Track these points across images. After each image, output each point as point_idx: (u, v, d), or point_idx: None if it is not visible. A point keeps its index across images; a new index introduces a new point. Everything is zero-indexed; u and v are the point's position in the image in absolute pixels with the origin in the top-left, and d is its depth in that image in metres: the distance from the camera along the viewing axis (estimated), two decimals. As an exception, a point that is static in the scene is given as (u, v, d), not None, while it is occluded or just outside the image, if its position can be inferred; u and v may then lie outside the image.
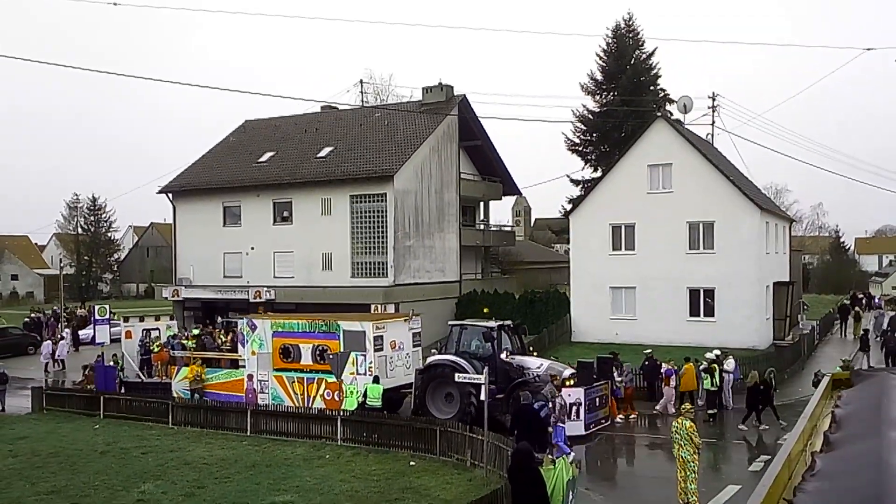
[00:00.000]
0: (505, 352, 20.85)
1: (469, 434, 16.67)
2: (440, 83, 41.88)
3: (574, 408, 19.41)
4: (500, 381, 19.94)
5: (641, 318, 33.30)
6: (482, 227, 46.89)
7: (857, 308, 41.14)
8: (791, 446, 4.34)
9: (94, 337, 27.04)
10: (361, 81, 59.47)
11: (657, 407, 22.74)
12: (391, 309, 34.06)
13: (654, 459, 18.72)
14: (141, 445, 18.94)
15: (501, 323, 21.67)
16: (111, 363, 25.36)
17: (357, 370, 20.62)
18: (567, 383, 19.48)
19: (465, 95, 41.88)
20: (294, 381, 21.58)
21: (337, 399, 20.47)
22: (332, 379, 20.33)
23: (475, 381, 17.07)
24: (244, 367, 22.88)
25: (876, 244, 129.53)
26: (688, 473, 13.80)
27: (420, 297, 36.37)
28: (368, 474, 16.06)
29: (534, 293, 39.09)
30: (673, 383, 22.58)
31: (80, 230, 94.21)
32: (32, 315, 49.51)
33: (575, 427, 19.10)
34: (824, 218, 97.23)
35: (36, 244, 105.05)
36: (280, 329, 22.37)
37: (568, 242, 57.33)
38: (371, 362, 20.60)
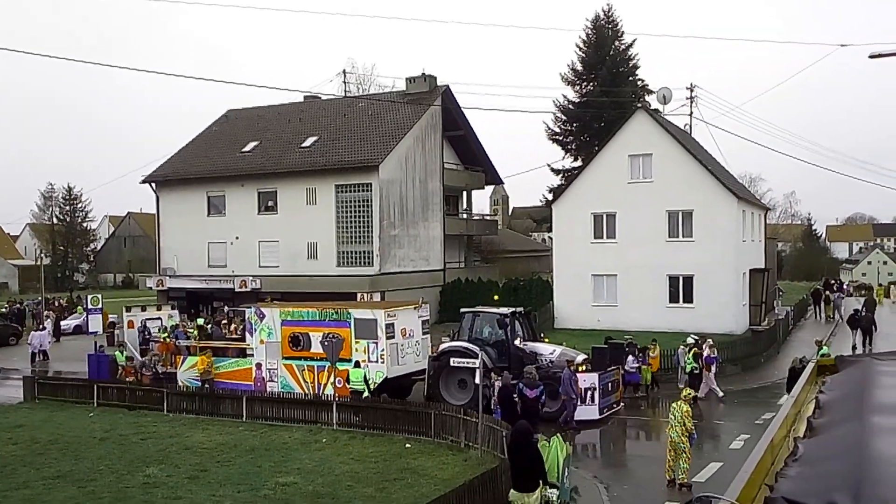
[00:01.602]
0: (518, 338, 21.13)
1: (463, 417, 17.25)
2: (423, 74, 42.25)
3: (589, 392, 19.74)
4: (514, 367, 20.15)
5: (622, 304, 34.11)
6: (465, 216, 47.44)
7: (827, 292, 43.32)
8: (774, 432, 4.36)
9: (86, 326, 27.09)
10: (345, 72, 59.69)
11: (700, 393, 22.42)
12: (377, 297, 34.58)
13: (654, 441, 19.38)
14: (139, 432, 19.24)
15: (514, 310, 21.89)
16: (117, 353, 25.45)
17: (369, 357, 20.79)
18: (580, 369, 19.80)
19: (448, 86, 42.32)
20: (304, 370, 21.53)
21: (348, 386, 20.64)
22: (343, 367, 20.59)
23: (469, 365, 17.56)
24: (252, 355, 22.88)
25: (846, 232, 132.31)
26: (679, 453, 14.43)
27: (405, 286, 36.88)
28: (366, 456, 16.55)
29: (517, 281, 39.79)
30: (714, 370, 23.03)
31: (55, 220, 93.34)
32: (10, 305, 49.22)
33: (589, 411, 19.49)
34: (797, 206, 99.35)
35: (9, 234, 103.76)
36: (289, 318, 22.27)
37: (548, 231, 58.25)
38: (383, 350, 20.72)
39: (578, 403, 19.34)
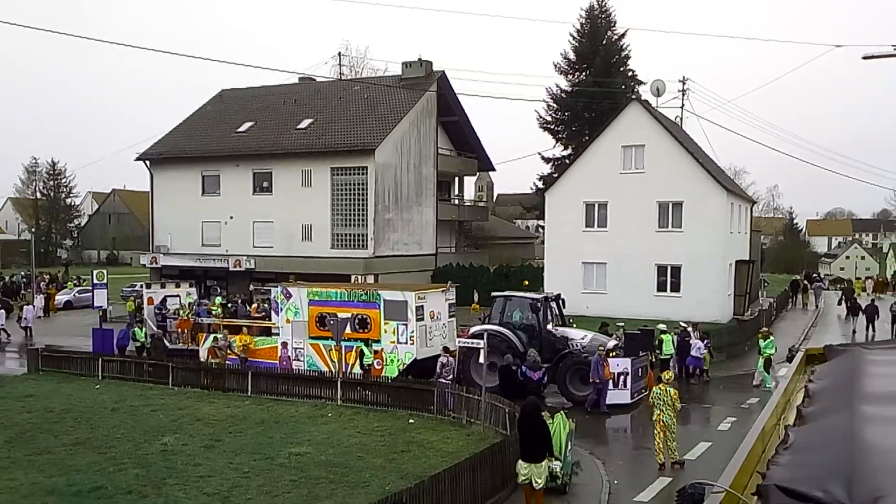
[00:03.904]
0: (550, 323, 21.49)
1: (465, 394, 17.99)
2: (419, 59, 42.67)
3: (621, 377, 20.13)
4: (546, 352, 20.55)
5: (611, 292, 34.92)
6: (457, 202, 48.03)
7: (805, 283, 46.55)
8: (765, 420, 4.39)
9: (92, 301, 27.39)
10: (340, 54, 59.76)
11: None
12: (371, 280, 35.18)
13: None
14: (148, 404, 19.78)
15: (547, 294, 22.24)
16: (136, 329, 25.76)
17: (398, 339, 21.14)
18: (611, 354, 20.17)
19: (443, 71, 42.75)
20: (331, 349, 21.58)
21: (377, 366, 21.04)
22: (375, 347, 21.02)
23: (474, 346, 18.22)
24: (277, 334, 23.16)
25: (826, 226, 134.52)
26: (668, 434, 15.26)
27: (398, 269, 37.52)
28: (372, 430, 17.23)
29: (508, 267, 40.50)
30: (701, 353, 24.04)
31: (38, 195, 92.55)
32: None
33: (621, 395, 19.92)
34: (779, 200, 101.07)
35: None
36: (317, 297, 22.52)
37: (537, 218, 58.90)
38: (412, 332, 21.02)
39: (609, 388, 19.80)
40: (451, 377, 19.51)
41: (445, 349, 20.16)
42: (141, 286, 40.93)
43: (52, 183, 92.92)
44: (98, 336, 25.21)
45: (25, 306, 35.27)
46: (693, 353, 23.61)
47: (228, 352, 23.14)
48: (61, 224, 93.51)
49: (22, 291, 46.04)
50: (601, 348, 20.04)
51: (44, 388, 21.90)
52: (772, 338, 23.34)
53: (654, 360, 22.67)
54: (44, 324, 38.02)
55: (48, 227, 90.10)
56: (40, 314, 39.95)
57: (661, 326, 24.76)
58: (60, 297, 44.43)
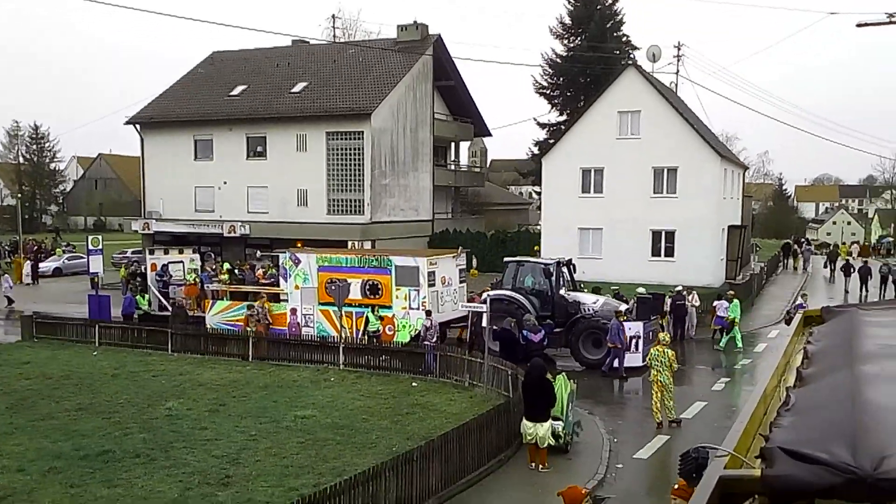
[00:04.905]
0: (563, 288, 21.54)
1: (468, 358, 18.13)
2: (415, 22, 42.09)
3: (633, 340, 20.27)
4: (559, 317, 20.69)
5: (607, 257, 35.06)
6: (453, 167, 47.84)
7: (795, 247, 49.21)
8: (766, 382, 4.38)
9: (88, 266, 27.15)
10: (333, 17, 58.97)
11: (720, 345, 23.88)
12: (367, 245, 35.16)
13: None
14: (148, 370, 19.75)
15: (559, 259, 22.20)
16: (139, 297, 25.52)
17: (410, 305, 21.08)
18: (622, 318, 20.24)
19: (439, 35, 42.25)
20: (342, 316, 21.30)
21: (389, 332, 21.02)
22: (385, 313, 21.06)
23: (477, 309, 18.28)
24: (285, 301, 23.02)
25: (814, 192, 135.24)
26: (665, 394, 15.51)
27: (395, 235, 37.47)
28: (375, 394, 17.35)
29: (505, 233, 40.53)
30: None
31: (21, 159, 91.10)
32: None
33: (634, 359, 20.02)
34: (769, 166, 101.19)
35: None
36: (326, 263, 22.39)
37: (532, 184, 58.83)
38: (424, 297, 20.93)
39: (629, 351, 19.97)
40: (434, 339, 19.64)
41: (427, 312, 20.29)
42: (133, 253, 40.86)
43: (35, 147, 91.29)
44: (94, 302, 25.08)
45: (5, 274, 34.68)
46: (719, 313, 24.17)
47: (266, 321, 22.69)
48: (46, 189, 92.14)
49: (7, 259, 45.45)
50: (619, 312, 20.15)
51: (40, 355, 21.76)
52: (736, 301, 24.14)
53: (663, 323, 22.95)
54: (32, 290, 37.76)
55: (32, 193, 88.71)
56: (29, 281, 39.67)
57: (640, 290, 25.01)
58: (49, 264, 44.02)
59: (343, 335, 20.70)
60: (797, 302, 25.79)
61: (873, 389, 3.42)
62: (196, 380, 18.64)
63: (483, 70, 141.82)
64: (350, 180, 37.70)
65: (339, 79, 40.17)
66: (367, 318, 21.11)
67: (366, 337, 20.88)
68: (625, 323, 20.19)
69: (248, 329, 22.23)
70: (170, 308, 25.39)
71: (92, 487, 11.51)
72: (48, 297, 35.23)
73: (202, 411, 15.78)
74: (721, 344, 23.54)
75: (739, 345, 23.54)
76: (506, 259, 23.29)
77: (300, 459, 12.85)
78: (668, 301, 24.66)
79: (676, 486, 6.37)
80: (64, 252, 47.80)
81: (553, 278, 21.37)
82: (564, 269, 22.23)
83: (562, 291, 21.47)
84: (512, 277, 22.07)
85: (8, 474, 12.10)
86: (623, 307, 21.20)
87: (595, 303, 21.31)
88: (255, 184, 39.63)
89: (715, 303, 24.64)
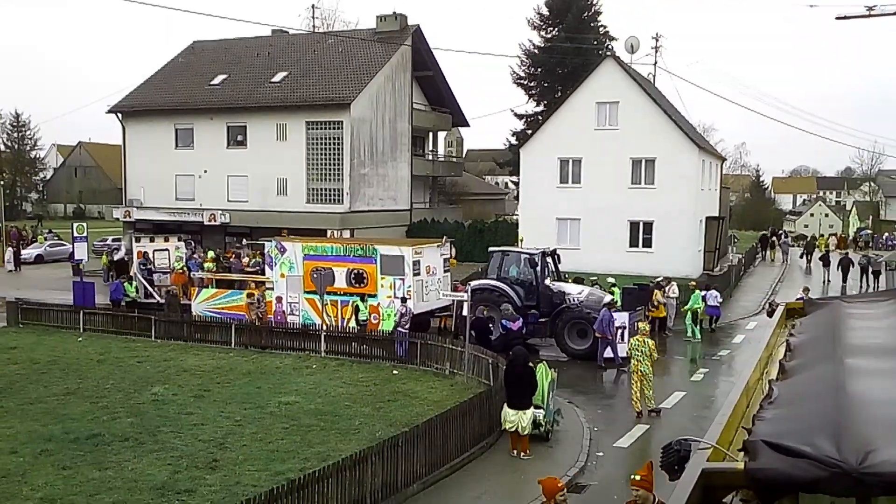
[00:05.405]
0: (548, 278, 21.71)
1: (449, 346, 18.52)
2: (394, 13, 42.22)
3: (619, 331, 20.38)
4: (544, 306, 20.84)
5: (585, 247, 35.51)
6: (431, 157, 48.10)
7: (773, 238, 49.18)
8: (749, 375, 4.37)
9: (72, 254, 27.15)
10: (313, 7, 58.76)
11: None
12: (346, 234, 35.35)
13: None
14: (134, 356, 19.99)
15: (544, 250, 22.36)
16: (126, 284, 25.55)
17: (394, 294, 21.24)
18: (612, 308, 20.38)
19: (418, 25, 42.43)
20: (327, 304, 21.46)
21: (374, 321, 21.25)
22: (371, 301, 21.30)
23: (458, 298, 18.60)
24: (271, 289, 23.10)
25: (791, 184, 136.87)
26: (645, 383, 15.93)
27: (374, 224, 37.74)
28: (357, 381, 17.71)
29: (482, 223, 40.91)
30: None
31: (2, 146, 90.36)
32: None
33: (620, 349, 20.00)
34: (746, 157, 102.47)
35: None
36: (312, 252, 22.48)
37: (510, 174, 59.30)
38: (409, 286, 21.10)
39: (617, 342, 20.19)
40: (408, 326, 19.91)
41: (402, 300, 20.58)
42: (113, 241, 40.70)
43: (16, 135, 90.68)
44: (79, 289, 25.17)
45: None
46: (710, 302, 24.54)
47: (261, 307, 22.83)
48: (26, 177, 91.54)
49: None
50: (610, 303, 20.35)
51: (26, 340, 21.95)
52: (698, 291, 24.42)
53: (647, 314, 23.05)
54: (14, 277, 37.73)
55: (13, 181, 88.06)
56: (11, 268, 39.60)
57: (611, 279, 25.35)
58: (31, 251, 43.93)
59: (327, 323, 20.90)
60: (799, 296, 26.20)
61: (857, 383, 3.42)
62: (180, 366, 18.92)
63: (461, 61, 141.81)
64: (329, 169, 37.87)
65: (318, 69, 40.25)
66: (356, 306, 21.35)
67: (356, 326, 21.14)
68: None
69: (254, 318, 22.36)
70: (156, 296, 25.49)
71: (83, 469, 11.82)
72: (30, 283, 35.18)
73: (187, 397, 16.07)
74: (696, 336, 23.70)
75: (697, 336, 23.77)
76: (491, 248, 23.43)
77: (285, 445, 13.19)
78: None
79: (638, 478, 6.31)
80: (45, 239, 47.60)
81: (538, 268, 21.46)
82: (549, 260, 22.31)
83: (547, 281, 21.62)
84: (497, 267, 22.18)
85: (1, 456, 12.41)
86: (607, 297, 21.37)
87: (580, 293, 21.39)
88: (236, 172, 39.67)
89: (705, 293, 24.72)
